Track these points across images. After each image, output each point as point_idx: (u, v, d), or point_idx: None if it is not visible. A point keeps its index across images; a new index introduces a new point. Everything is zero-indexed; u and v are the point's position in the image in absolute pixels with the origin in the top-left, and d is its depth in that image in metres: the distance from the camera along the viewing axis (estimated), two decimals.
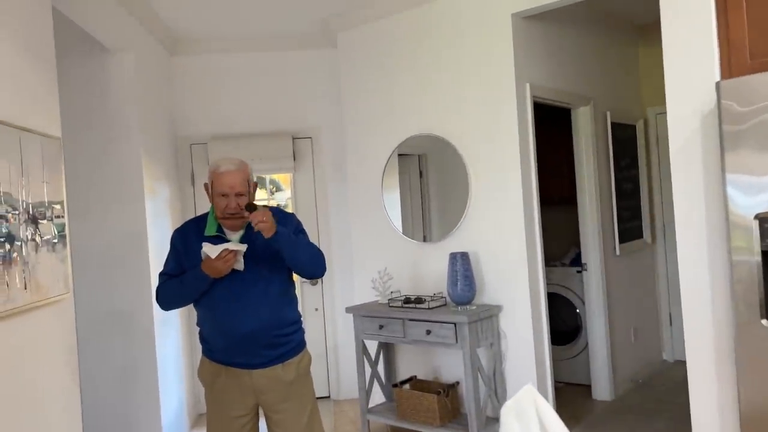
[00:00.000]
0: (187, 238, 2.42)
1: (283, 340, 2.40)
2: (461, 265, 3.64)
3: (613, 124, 4.69)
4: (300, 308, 2.58)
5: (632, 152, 5.03)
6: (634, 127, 5.08)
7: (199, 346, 2.51)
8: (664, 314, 5.25)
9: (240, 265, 2.32)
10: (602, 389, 4.45)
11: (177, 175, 4.66)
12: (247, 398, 2.39)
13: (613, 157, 4.67)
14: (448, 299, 3.74)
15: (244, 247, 2.29)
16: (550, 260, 4.95)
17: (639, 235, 5.04)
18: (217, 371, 2.40)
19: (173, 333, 4.21)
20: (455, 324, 3.48)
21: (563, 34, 4.22)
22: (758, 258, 2.31)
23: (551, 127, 4.63)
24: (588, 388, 4.53)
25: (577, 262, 4.74)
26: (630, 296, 4.83)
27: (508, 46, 3.68)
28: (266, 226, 2.23)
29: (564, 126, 4.56)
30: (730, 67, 2.56)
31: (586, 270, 4.47)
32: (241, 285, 2.34)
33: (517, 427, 1.60)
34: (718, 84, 2.42)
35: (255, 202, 2.36)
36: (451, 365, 3.98)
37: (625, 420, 4.04)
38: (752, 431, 2.32)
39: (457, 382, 3.87)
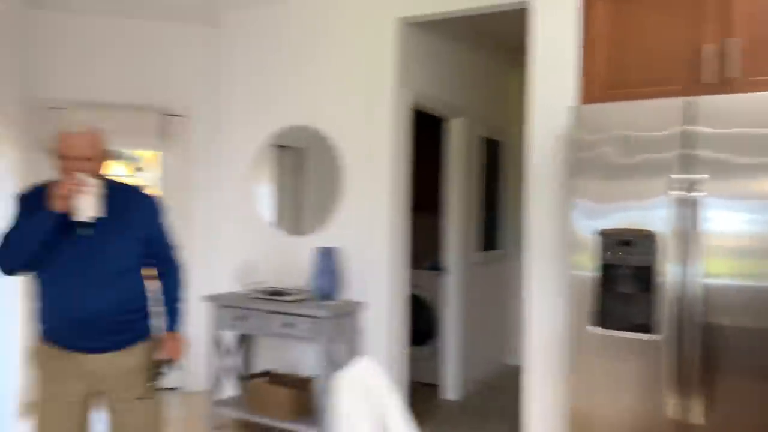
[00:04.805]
0: (35, 202, 2.15)
1: (130, 325, 2.26)
2: (326, 259, 3.64)
3: (480, 138, 4.92)
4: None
5: (496, 167, 5.31)
6: (500, 143, 5.37)
7: (32, 327, 2.30)
8: (511, 321, 5.59)
9: (88, 212, 2.07)
10: (451, 389, 4.66)
11: (26, 139, 4.24)
12: (83, 384, 2.23)
13: (479, 169, 4.89)
14: (312, 293, 3.73)
15: (98, 187, 2.08)
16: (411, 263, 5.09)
17: (497, 245, 5.33)
18: (54, 354, 2.21)
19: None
20: (315, 318, 3.47)
21: (444, 45, 4.37)
22: (598, 273, 2.51)
23: (420, 135, 4.77)
24: (436, 387, 4.71)
25: (435, 266, 4.90)
26: (484, 302, 5.09)
27: (392, 49, 3.74)
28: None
29: (432, 135, 4.72)
30: (585, 96, 2.78)
31: (446, 274, 4.66)
32: (88, 256, 2.17)
33: (347, 398, 1.66)
34: (573, 109, 2.60)
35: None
36: (309, 359, 3.97)
37: (470, 420, 4.24)
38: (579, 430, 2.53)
39: (314, 377, 3.86)
